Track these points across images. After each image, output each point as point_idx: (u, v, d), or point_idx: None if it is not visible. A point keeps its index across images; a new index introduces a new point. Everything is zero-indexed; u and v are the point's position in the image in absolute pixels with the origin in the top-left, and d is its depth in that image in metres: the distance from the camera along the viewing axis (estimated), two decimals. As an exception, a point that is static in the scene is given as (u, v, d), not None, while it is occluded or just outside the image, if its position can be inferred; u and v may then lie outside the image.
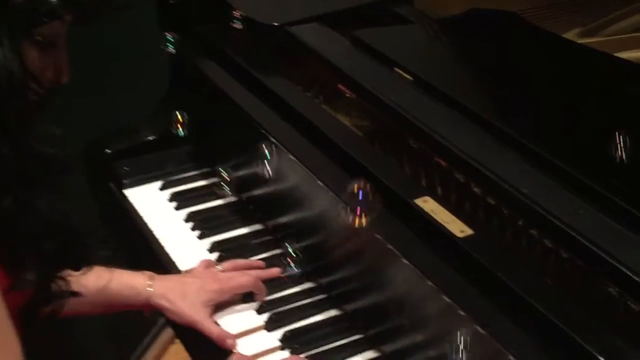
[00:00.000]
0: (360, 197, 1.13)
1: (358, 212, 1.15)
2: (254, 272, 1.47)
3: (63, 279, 1.08)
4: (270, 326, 1.40)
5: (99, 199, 1.78)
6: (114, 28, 1.59)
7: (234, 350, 1.34)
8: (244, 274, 1.46)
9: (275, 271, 1.49)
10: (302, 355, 1.33)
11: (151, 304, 1.39)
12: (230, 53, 1.69)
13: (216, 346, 1.36)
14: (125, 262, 1.69)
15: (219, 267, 1.47)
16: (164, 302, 1.38)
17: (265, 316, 1.42)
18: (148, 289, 1.38)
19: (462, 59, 1.58)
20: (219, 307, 1.42)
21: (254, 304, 1.44)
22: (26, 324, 1.08)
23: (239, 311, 1.43)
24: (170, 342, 2.37)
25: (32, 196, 0.98)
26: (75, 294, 1.13)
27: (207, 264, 1.49)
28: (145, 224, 1.64)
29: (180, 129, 1.32)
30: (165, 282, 1.40)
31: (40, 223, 0.99)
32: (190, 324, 1.38)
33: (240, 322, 1.41)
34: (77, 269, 1.10)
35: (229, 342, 1.36)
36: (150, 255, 1.59)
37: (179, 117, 1.34)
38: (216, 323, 1.39)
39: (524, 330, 1.10)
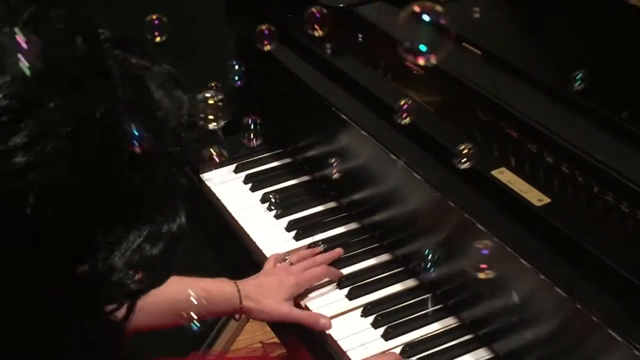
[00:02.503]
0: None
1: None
2: (320, 258, 1.51)
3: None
4: (350, 296, 1.46)
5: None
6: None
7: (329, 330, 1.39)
8: (314, 262, 1.50)
9: (338, 252, 1.53)
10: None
11: (241, 308, 1.42)
12: (299, 35, 1.72)
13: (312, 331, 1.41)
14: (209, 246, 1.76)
15: (287, 261, 1.51)
16: (250, 304, 1.41)
17: (345, 290, 1.47)
18: (237, 294, 1.41)
19: (527, 29, 1.60)
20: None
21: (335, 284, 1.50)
22: None
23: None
24: (246, 321, 2.43)
25: None
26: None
27: (276, 259, 1.52)
28: (223, 206, 1.69)
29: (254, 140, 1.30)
30: (246, 285, 1.43)
31: None
32: (280, 319, 1.43)
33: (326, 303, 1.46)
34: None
35: (323, 321, 1.40)
36: (230, 236, 1.64)
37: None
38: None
39: (606, 293, 1.13)
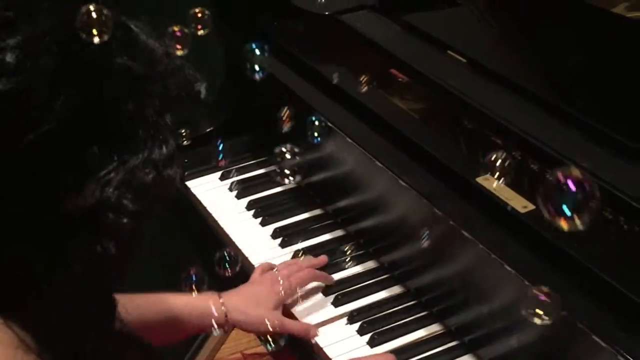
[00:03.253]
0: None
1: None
2: (305, 263, 1.51)
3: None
4: (336, 303, 1.46)
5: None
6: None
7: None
8: (299, 267, 1.49)
9: (323, 259, 1.53)
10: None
11: (226, 322, 1.38)
12: (284, 44, 1.73)
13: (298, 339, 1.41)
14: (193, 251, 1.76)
15: (275, 270, 1.49)
16: (238, 316, 1.38)
17: (331, 298, 1.47)
18: (222, 307, 1.38)
19: (512, 38, 1.61)
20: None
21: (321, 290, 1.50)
22: None
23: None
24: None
25: None
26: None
27: (262, 269, 1.50)
28: (209, 214, 1.69)
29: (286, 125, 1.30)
30: (234, 297, 1.41)
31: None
32: (269, 329, 1.39)
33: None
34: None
35: (313, 331, 1.40)
36: (216, 244, 1.64)
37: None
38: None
39: (591, 300, 1.13)
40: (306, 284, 1.49)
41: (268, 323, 1.39)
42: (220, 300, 1.38)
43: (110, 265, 0.82)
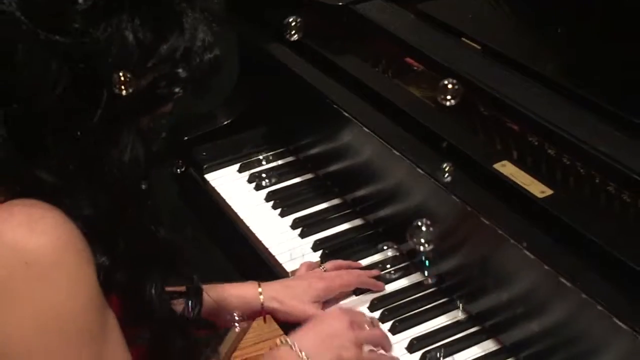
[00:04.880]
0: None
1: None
2: (356, 272, 1.48)
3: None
4: (356, 292, 1.47)
5: (180, 185, 1.85)
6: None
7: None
8: (349, 272, 1.48)
9: (375, 272, 1.49)
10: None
11: (263, 310, 1.40)
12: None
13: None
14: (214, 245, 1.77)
15: (322, 268, 1.48)
16: (275, 305, 1.40)
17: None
18: (260, 296, 1.39)
19: (526, 23, 1.61)
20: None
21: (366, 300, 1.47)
22: None
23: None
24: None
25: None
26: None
27: (309, 266, 1.49)
28: (228, 206, 1.70)
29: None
30: (273, 286, 1.41)
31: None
32: (303, 321, 1.38)
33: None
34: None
35: None
36: (236, 236, 1.65)
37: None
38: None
39: (610, 282, 1.14)
40: (350, 288, 1.46)
41: (304, 314, 1.38)
42: (259, 289, 1.39)
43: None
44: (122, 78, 0.88)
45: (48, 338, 0.88)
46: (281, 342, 1.25)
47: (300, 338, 1.25)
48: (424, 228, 1.25)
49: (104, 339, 0.92)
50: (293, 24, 1.48)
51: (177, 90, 0.93)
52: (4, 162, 0.90)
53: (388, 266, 1.50)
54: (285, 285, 1.43)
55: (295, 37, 1.50)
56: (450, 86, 1.30)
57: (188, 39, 0.93)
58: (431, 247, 1.28)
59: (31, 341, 0.88)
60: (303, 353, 1.22)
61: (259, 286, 1.40)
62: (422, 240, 1.26)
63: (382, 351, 1.33)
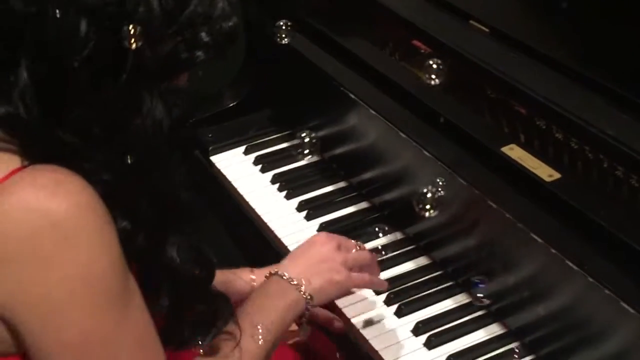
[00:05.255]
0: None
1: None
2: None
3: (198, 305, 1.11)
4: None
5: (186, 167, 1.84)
6: None
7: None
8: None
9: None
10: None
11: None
12: (305, 16, 1.73)
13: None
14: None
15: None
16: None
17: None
18: (253, 283, 1.36)
19: (535, 6, 1.59)
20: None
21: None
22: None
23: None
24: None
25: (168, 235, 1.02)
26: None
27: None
28: (234, 188, 1.70)
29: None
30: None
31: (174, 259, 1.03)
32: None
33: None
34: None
35: (337, 324, 1.39)
36: (242, 218, 1.65)
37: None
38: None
39: (617, 266, 1.14)
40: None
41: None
42: (252, 276, 1.38)
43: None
44: (132, 31, 0.90)
45: (75, 298, 0.91)
46: (271, 274, 1.27)
47: (289, 266, 1.28)
48: (429, 194, 1.23)
49: (127, 300, 0.95)
50: (283, 27, 1.47)
51: (199, 54, 0.96)
52: (29, 123, 0.91)
53: (384, 252, 1.49)
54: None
55: (286, 40, 1.49)
56: (435, 66, 1.30)
57: (208, 5, 0.96)
58: (437, 212, 1.26)
59: (58, 301, 0.90)
60: (295, 281, 1.24)
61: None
62: (428, 207, 1.24)
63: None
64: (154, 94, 0.95)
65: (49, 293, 0.90)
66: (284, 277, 1.25)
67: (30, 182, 0.90)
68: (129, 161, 0.95)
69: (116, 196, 0.94)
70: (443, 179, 1.30)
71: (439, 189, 1.26)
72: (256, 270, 1.39)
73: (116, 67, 0.91)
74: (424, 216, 1.25)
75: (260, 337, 1.17)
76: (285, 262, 1.30)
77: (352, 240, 1.37)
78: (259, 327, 1.18)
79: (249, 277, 1.38)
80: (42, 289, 0.90)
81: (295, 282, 1.25)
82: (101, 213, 0.92)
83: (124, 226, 0.95)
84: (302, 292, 1.24)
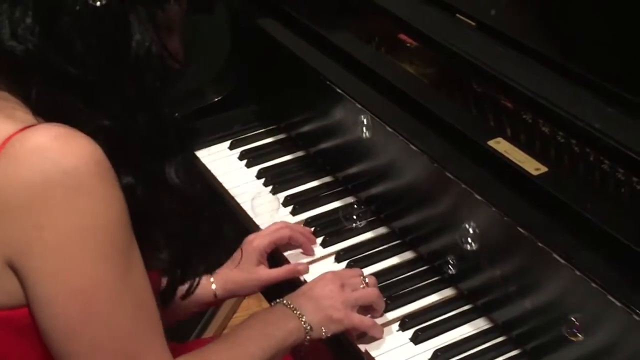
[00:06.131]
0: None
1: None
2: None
3: (197, 256, 1.14)
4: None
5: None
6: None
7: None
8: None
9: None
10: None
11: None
12: (290, 10, 1.72)
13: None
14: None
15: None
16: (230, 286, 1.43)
17: (343, 264, 1.47)
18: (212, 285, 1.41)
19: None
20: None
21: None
22: (165, 303, 1.15)
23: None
24: (243, 298, 2.43)
25: (165, 171, 1.05)
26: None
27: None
28: (219, 183, 1.69)
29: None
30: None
31: (172, 200, 1.05)
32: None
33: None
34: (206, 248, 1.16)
35: (301, 267, 1.46)
36: (227, 212, 1.64)
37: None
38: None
39: (604, 260, 1.14)
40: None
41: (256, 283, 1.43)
42: (211, 279, 1.41)
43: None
44: None
45: (80, 245, 0.94)
46: (275, 302, 1.29)
47: (293, 297, 1.30)
48: (471, 230, 1.24)
49: (131, 257, 0.98)
50: None
51: None
52: (37, 55, 0.95)
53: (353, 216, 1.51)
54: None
55: None
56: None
57: None
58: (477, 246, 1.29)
59: (70, 248, 0.93)
60: (298, 311, 1.26)
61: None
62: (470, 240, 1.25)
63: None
64: (142, 21, 0.98)
65: (61, 241, 0.93)
66: (289, 306, 1.27)
67: (44, 132, 0.94)
68: (130, 107, 0.99)
69: (118, 147, 0.97)
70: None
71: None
72: (216, 274, 1.41)
73: None
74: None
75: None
76: (290, 295, 1.31)
77: (360, 277, 1.36)
78: (257, 350, 1.19)
79: (208, 282, 1.40)
80: (54, 235, 0.93)
81: (298, 312, 1.26)
82: (108, 167, 0.95)
83: (127, 181, 0.99)
84: (302, 322, 1.26)
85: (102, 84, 0.98)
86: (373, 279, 1.38)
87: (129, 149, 1.00)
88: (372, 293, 1.35)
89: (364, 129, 1.50)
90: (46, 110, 0.97)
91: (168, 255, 1.06)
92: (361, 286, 1.35)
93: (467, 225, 1.32)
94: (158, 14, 1.01)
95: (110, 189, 0.95)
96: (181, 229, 1.07)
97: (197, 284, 1.19)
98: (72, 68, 0.96)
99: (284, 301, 1.28)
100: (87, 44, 0.96)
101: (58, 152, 0.92)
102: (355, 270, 1.41)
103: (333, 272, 1.37)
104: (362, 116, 1.49)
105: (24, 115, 0.97)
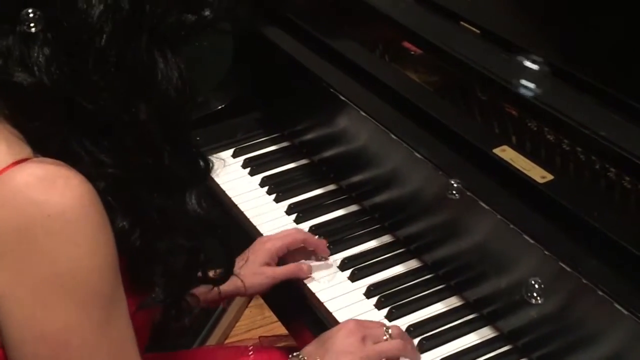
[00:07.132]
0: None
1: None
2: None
3: (192, 295, 1.13)
4: (352, 278, 1.46)
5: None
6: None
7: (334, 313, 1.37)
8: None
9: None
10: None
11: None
12: (295, 18, 1.72)
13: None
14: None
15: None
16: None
17: (348, 272, 1.47)
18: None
19: (526, 7, 1.59)
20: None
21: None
22: (158, 341, 1.14)
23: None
24: (245, 306, 2.43)
25: (185, 202, 1.03)
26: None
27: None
28: (223, 191, 1.68)
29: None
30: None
31: (182, 234, 1.03)
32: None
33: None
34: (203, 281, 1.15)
35: (305, 267, 1.45)
36: (230, 221, 1.64)
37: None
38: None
39: (611, 268, 1.13)
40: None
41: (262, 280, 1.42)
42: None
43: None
44: None
45: (56, 291, 0.90)
46: (293, 355, 1.25)
47: (311, 352, 1.25)
48: (536, 285, 1.20)
49: (114, 306, 0.94)
50: None
51: (206, 13, 0.99)
52: (50, 90, 0.91)
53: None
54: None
55: None
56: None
57: None
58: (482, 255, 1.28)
59: (41, 293, 0.89)
60: None
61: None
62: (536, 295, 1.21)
63: None
64: (168, 59, 0.96)
65: (37, 286, 0.89)
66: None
67: (30, 172, 0.90)
68: (132, 154, 0.95)
69: (120, 192, 0.94)
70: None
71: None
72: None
73: (134, 30, 0.93)
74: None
75: None
76: (308, 347, 1.27)
77: (382, 328, 1.30)
78: None
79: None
80: (32, 280, 0.89)
81: None
82: (98, 211, 0.91)
83: (122, 226, 0.95)
84: None
85: (121, 122, 0.95)
86: (397, 329, 1.31)
87: (133, 192, 0.97)
88: (395, 346, 1.27)
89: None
90: (46, 146, 0.93)
91: (164, 296, 1.04)
92: (384, 337, 1.27)
93: (473, 234, 1.31)
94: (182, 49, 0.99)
95: (98, 234, 0.91)
96: (181, 268, 1.05)
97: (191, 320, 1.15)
98: (89, 103, 0.92)
99: (300, 356, 1.24)
100: (109, 81, 0.93)
101: (43, 194, 0.88)
102: (376, 324, 1.32)
103: (356, 322, 1.29)
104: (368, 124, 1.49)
105: (22, 149, 0.93)
